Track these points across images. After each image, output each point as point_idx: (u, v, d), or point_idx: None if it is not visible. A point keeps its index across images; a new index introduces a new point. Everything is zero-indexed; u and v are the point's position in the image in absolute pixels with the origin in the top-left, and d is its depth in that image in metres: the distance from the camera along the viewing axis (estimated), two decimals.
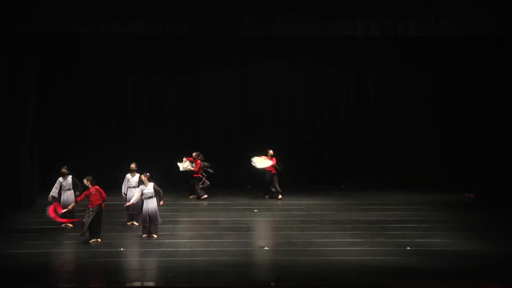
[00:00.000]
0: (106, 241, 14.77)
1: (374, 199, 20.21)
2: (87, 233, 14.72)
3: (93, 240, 14.72)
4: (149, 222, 15.11)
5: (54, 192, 16.48)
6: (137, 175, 16.42)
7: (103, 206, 14.94)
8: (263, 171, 20.14)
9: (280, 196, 19.92)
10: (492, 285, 12.14)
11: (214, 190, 21.42)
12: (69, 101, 21.90)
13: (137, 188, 15.86)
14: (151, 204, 15.11)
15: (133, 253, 14.06)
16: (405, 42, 21.93)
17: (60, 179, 16.51)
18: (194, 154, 19.95)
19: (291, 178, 22.67)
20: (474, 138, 20.68)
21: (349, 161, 22.85)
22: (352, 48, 22.46)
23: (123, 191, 16.79)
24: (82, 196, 15.23)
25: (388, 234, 15.80)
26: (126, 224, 16.42)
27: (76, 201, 15.85)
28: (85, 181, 14.96)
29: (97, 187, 14.90)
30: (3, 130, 17.94)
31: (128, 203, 16.02)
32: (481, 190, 20.04)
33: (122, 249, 14.28)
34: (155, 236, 15.12)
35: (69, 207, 15.87)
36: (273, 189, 20.01)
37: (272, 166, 19.96)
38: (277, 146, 22.60)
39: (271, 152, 20.15)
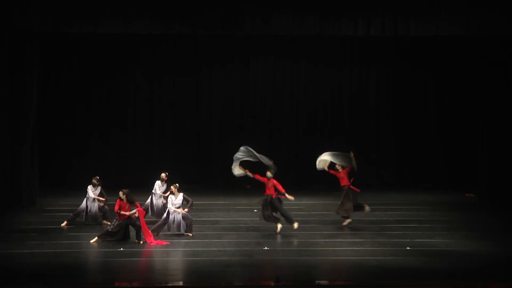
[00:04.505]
0: (109, 242, 14.74)
1: (374, 199, 20.18)
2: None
3: (94, 240, 14.73)
4: (186, 226, 15.26)
5: (83, 205, 16.38)
6: (166, 185, 16.46)
7: (134, 216, 14.87)
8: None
9: None
10: (492, 285, 12.12)
11: (214, 190, 21.49)
12: (69, 101, 21.93)
13: (161, 197, 16.39)
14: (178, 214, 15.23)
15: (133, 253, 14.04)
16: (406, 43, 21.97)
17: (91, 188, 16.46)
18: None
19: (292, 178, 22.70)
20: (474, 137, 20.68)
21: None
22: (353, 48, 22.49)
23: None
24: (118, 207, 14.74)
25: (389, 234, 15.80)
26: None
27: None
28: (120, 194, 14.75)
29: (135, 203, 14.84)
30: (4, 130, 17.93)
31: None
32: (481, 190, 20.03)
33: (122, 249, 14.26)
34: (190, 234, 15.26)
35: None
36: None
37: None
38: (278, 146, 22.69)
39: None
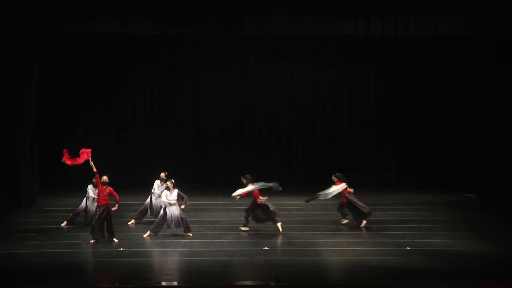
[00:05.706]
0: (106, 241, 14.76)
1: (374, 199, 20.19)
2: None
3: (93, 240, 14.73)
4: (182, 224, 15.29)
5: (83, 205, 16.40)
6: (165, 185, 16.49)
7: (114, 208, 15.06)
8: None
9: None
10: (492, 285, 12.12)
11: (214, 190, 21.49)
12: (69, 100, 21.93)
13: (160, 197, 16.18)
14: (174, 210, 15.23)
15: (133, 253, 14.04)
16: (406, 42, 21.97)
17: (91, 187, 16.42)
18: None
19: (291, 178, 22.70)
20: (474, 137, 20.68)
21: (350, 161, 22.86)
22: (353, 48, 22.48)
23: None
24: (96, 179, 15.14)
25: (389, 234, 15.80)
26: (127, 224, 16.42)
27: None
28: (105, 177, 14.96)
29: (110, 188, 14.95)
30: (4, 130, 17.93)
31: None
32: (481, 190, 20.04)
33: (121, 249, 14.27)
34: (190, 234, 15.30)
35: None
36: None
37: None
38: (277, 146, 22.69)
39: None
